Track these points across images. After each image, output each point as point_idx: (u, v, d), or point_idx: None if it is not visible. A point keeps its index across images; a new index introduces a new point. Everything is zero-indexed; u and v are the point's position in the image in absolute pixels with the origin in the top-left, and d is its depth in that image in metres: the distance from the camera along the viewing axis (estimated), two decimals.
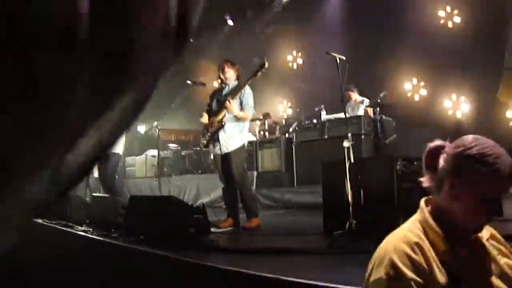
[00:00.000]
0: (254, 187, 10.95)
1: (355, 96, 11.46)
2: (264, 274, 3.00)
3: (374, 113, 10.70)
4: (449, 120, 12.58)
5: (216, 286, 3.42)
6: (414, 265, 1.56)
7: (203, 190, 11.89)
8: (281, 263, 3.63)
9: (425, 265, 1.57)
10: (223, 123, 6.78)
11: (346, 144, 4.98)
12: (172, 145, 17.04)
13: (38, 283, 5.96)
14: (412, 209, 4.56)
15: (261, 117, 13.95)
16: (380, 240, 4.10)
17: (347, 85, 10.96)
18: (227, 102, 6.67)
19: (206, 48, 18.59)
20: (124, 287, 4.63)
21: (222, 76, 7.06)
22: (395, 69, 13.09)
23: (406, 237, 1.68)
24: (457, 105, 12.73)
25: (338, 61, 5.44)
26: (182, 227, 4.82)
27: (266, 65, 6.62)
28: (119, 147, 9.25)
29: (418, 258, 1.58)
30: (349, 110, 10.74)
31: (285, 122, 14.19)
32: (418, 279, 1.53)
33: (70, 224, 6.82)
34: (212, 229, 5.56)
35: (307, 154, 10.66)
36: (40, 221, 7.90)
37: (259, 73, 6.65)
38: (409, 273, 1.54)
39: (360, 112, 10.90)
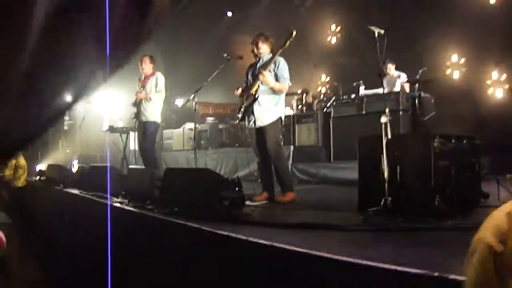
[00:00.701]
0: (290, 162, 10.97)
1: (392, 70, 11.34)
2: (296, 249, 3.00)
3: (413, 90, 10.57)
4: (489, 99, 12.35)
5: (248, 259, 3.43)
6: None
7: (240, 164, 11.96)
8: (314, 238, 3.63)
9: None
10: (256, 96, 6.74)
11: (383, 119, 4.92)
12: (210, 119, 17.12)
13: (72, 252, 6.09)
14: (448, 188, 4.54)
15: (299, 92, 13.90)
16: (414, 219, 4.08)
17: (386, 58, 10.89)
18: (261, 74, 6.64)
19: (244, 22, 18.54)
20: (157, 258, 4.69)
21: (256, 50, 7.03)
22: (435, 45, 12.88)
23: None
24: (498, 84, 12.46)
25: (376, 35, 5.36)
26: (217, 199, 4.83)
27: (294, 33, 6.54)
28: (157, 116, 9.38)
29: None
30: (385, 84, 10.64)
31: (323, 97, 14.10)
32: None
33: (106, 195, 6.91)
34: (247, 203, 5.58)
35: (345, 129, 10.60)
36: (76, 192, 8.05)
37: (288, 42, 6.59)
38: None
39: (397, 87, 10.79)
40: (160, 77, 9.47)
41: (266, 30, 7.32)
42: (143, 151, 9.60)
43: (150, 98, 9.30)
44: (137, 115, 9.63)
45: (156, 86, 9.40)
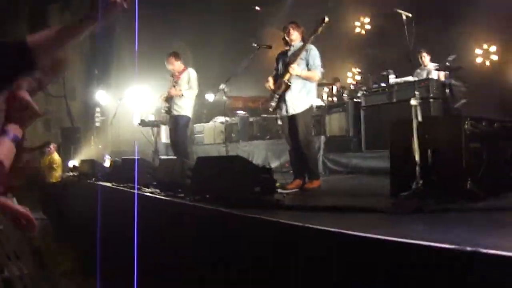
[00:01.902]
0: (321, 152, 10.94)
1: (426, 59, 11.23)
2: (329, 229, 3.00)
3: (444, 77, 10.46)
4: None
5: (280, 241, 3.44)
6: None
7: (271, 155, 11.97)
8: (346, 220, 3.63)
9: None
10: (289, 84, 6.76)
11: (413, 102, 4.89)
12: (240, 112, 17.14)
13: (108, 240, 6.15)
14: (480, 170, 4.50)
15: (329, 82, 13.88)
16: (446, 202, 4.05)
17: (419, 48, 10.80)
18: (290, 68, 6.67)
19: (272, 15, 18.55)
20: (188, 245, 4.72)
21: (287, 38, 7.05)
22: (466, 33, 12.74)
23: None
24: None
25: (404, 17, 5.33)
26: (248, 186, 4.84)
27: (327, 19, 6.55)
28: (188, 110, 9.45)
29: None
30: (424, 74, 10.60)
31: (354, 87, 14.05)
32: None
33: (138, 186, 6.98)
34: (279, 191, 5.60)
35: (375, 118, 10.53)
36: (109, 184, 8.14)
37: (320, 29, 6.59)
38: None
39: (433, 76, 10.67)
40: (192, 73, 9.53)
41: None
42: (174, 144, 9.70)
43: (182, 95, 9.37)
44: (169, 109, 9.71)
45: (188, 82, 9.47)
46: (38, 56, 2.07)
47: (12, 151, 2.07)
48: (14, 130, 2.14)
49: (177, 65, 9.62)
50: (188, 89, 9.42)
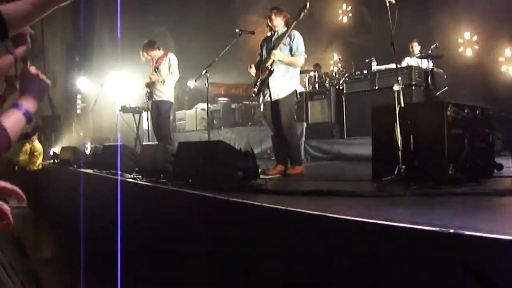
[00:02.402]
0: (303, 139, 10.98)
1: (417, 49, 11.29)
2: (311, 212, 3.00)
3: (425, 65, 10.52)
4: (502, 76, 12.27)
5: (263, 225, 3.44)
6: None
7: (253, 142, 11.96)
8: (328, 204, 3.63)
9: None
10: (272, 69, 6.76)
11: (396, 88, 4.91)
12: (222, 99, 17.15)
13: (91, 227, 6.13)
14: (461, 156, 4.53)
15: (311, 69, 13.89)
16: (428, 187, 4.08)
17: (399, 34, 10.84)
18: (271, 54, 6.67)
19: (255, 2, 18.49)
20: (171, 230, 4.71)
21: (270, 24, 7.04)
22: (448, 21, 12.81)
23: None
24: (511, 61, 12.37)
25: (387, 3, 5.31)
26: (230, 171, 4.84)
27: (308, 5, 6.55)
28: (170, 95, 9.43)
29: None
30: (411, 63, 10.66)
31: (335, 74, 14.09)
32: None
33: (120, 172, 6.94)
34: (261, 176, 5.60)
35: (357, 105, 10.61)
36: (90, 171, 8.10)
37: (302, 14, 6.60)
38: None
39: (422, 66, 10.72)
40: (172, 58, 9.51)
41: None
42: (157, 130, 9.67)
43: (163, 80, 9.34)
44: (150, 95, 9.68)
45: (169, 68, 9.44)
46: (10, 26, 2.06)
47: (20, 125, 2.08)
48: (26, 104, 2.14)
49: (154, 53, 9.59)
50: (169, 74, 9.39)
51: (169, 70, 9.45)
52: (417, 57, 11.00)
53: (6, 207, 1.98)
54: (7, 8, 2.06)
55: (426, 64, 10.75)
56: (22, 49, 2.48)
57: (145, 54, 9.66)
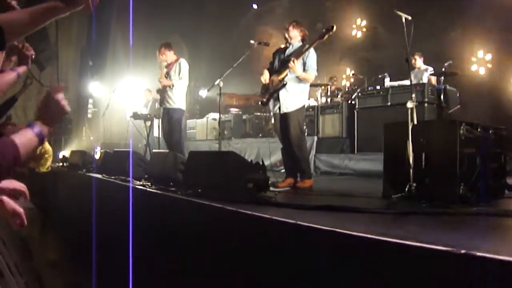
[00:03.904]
0: (313, 152, 10.97)
1: (420, 63, 11.33)
2: (321, 227, 2.99)
3: (438, 82, 10.50)
4: None
5: (272, 238, 3.43)
6: None
7: (263, 153, 11.97)
8: (338, 220, 3.61)
9: None
10: (284, 82, 6.79)
11: (409, 105, 4.90)
12: (233, 109, 17.17)
13: (96, 230, 6.12)
14: (473, 176, 4.51)
15: (325, 83, 13.90)
16: (439, 205, 4.05)
17: (412, 51, 10.83)
18: (291, 62, 6.66)
19: (270, 14, 18.57)
20: (179, 240, 4.70)
21: (287, 36, 7.05)
22: (462, 39, 12.81)
23: None
24: None
25: (404, 20, 5.31)
26: (241, 182, 4.83)
27: (334, 28, 6.56)
28: (181, 102, 9.43)
29: None
30: (412, 77, 10.58)
31: (348, 89, 14.09)
32: None
33: (128, 179, 6.95)
34: (271, 189, 5.58)
35: (369, 120, 10.58)
36: (99, 176, 8.11)
37: (326, 36, 6.60)
38: None
39: (424, 80, 10.76)
40: (183, 63, 9.51)
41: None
42: (168, 138, 9.67)
43: (172, 85, 9.34)
44: (161, 102, 9.69)
45: (179, 73, 9.45)
46: (8, 35, 2.07)
47: (32, 144, 2.12)
48: (41, 126, 2.18)
49: (169, 55, 9.63)
50: (178, 80, 9.40)
51: (179, 75, 9.45)
52: (430, 74, 10.98)
53: (19, 209, 1.99)
54: (4, 17, 2.07)
55: (426, 77, 10.81)
56: (23, 68, 2.51)
57: (161, 53, 9.67)
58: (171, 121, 9.53)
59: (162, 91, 9.63)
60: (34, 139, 2.11)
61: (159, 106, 9.93)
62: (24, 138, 2.07)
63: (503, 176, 5.49)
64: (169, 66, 9.64)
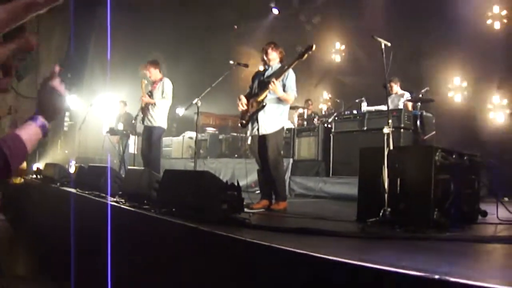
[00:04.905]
0: (288, 175, 10.99)
1: (396, 88, 11.45)
2: (295, 250, 2.98)
3: (414, 108, 10.61)
4: (490, 123, 12.38)
5: (246, 259, 3.41)
6: None
7: (238, 174, 11.97)
8: (312, 243, 3.61)
9: None
10: (264, 104, 6.79)
11: (386, 130, 4.93)
12: (210, 129, 17.17)
13: (66, 249, 6.05)
14: (447, 202, 4.54)
15: (301, 106, 13.96)
16: (413, 230, 4.07)
17: (390, 76, 10.94)
18: (271, 82, 6.66)
19: (250, 35, 18.66)
20: (152, 258, 4.66)
21: (265, 58, 7.08)
22: (438, 66, 12.98)
23: None
24: (499, 108, 12.51)
25: (383, 46, 5.36)
26: (215, 202, 4.80)
27: (314, 47, 6.58)
28: (162, 121, 9.44)
29: None
30: (389, 102, 10.68)
31: (325, 112, 14.16)
32: None
33: (103, 195, 6.90)
34: (246, 210, 5.56)
35: (345, 144, 10.65)
36: (73, 190, 8.03)
37: (306, 56, 6.61)
38: None
39: (400, 105, 10.85)
40: (166, 83, 9.55)
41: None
42: (146, 153, 9.64)
43: (154, 104, 9.35)
44: (143, 119, 9.69)
45: (162, 92, 9.46)
46: None
47: (37, 137, 2.08)
48: (43, 118, 2.16)
49: (154, 73, 9.65)
50: (161, 99, 9.40)
51: (162, 94, 9.45)
52: (407, 100, 11.09)
53: None
54: None
55: (402, 103, 10.92)
56: (8, 80, 2.48)
57: (146, 69, 9.73)
58: (151, 138, 9.56)
59: (144, 109, 9.63)
60: (38, 132, 2.09)
61: (140, 123, 9.90)
62: (29, 132, 2.04)
63: (477, 202, 5.56)
64: (153, 85, 9.65)
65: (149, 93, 9.62)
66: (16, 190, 12.05)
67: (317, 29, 17.77)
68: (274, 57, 7.06)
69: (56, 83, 2.21)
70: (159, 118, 9.54)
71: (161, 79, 9.67)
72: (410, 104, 10.95)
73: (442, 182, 4.68)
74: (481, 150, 6.93)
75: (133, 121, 10.73)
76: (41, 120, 2.11)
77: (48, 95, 2.18)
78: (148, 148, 9.58)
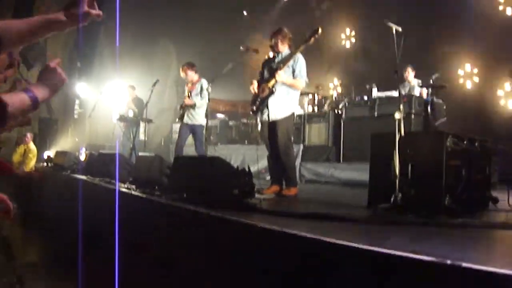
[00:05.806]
0: (299, 161, 10.97)
1: (410, 75, 11.32)
2: (306, 235, 2.98)
3: (426, 94, 10.54)
4: (500, 109, 12.30)
5: (257, 245, 3.42)
6: None
7: (249, 160, 11.95)
8: (323, 228, 3.60)
9: None
10: (273, 90, 6.76)
11: (397, 116, 4.90)
12: (220, 115, 17.15)
13: (76, 235, 6.07)
14: (458, 187, 4.52)
15: (312, 92, 13.89)
16: (424, 216, 4.06)
17: (404, 64, 10.86)
18: (276, 72, 6.64)
19: (259, 22, 18.57)
20: (163, 244, 4.68)
21: (274, 45, 7.04)
22: (449, 52, 12.88)
23: None
24: (510, 95, 12.42)
25: (394, 31, 5.32)
26: (226, 188, 4.81)
27: (320, 31, 6.53)
28: (203, 119, 9.88)
29: None
30: (402, 90, 10.63)
31: (335, 98, 14.09)
32: None
33: (113, 181, 6.92)
34: (256, 195, 5.56)
35: (356, 130, 10.62)
36: (84, 177, 8.05)
37: (312, 39, 6.58)
38: None
39: (415, 93, 10.76)
40: (204, 83, 9.83)
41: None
42: (181, 149, 9.87)
43: (194, 104, 9.63)
44: (182, 116, 9.91)
45: (201, 93, 9.71)
46: (4, 43, 2.05)
47: (23, 105, 2.08)
48: (36, 90, 2.14)
49: (190, 75, 10.05)
50: (200, 100, 9.82)
51: (201, 95, 9.82)
52: (418, 86, 11.02)
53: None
54: (1, 24, 2.05)
55: (418, 91, 10.82)
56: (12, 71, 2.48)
57: (184, 72, 10.13)
58: (194, 136, 10.03)
59: (184, 107, 9.91)
60: (26, 99, 2.07)
61: (179, 120, 10.12)
62: (14, 98, 2.03)
63: (488, 188, 5.52)
64: (192, 85, 10.09)
65: (188, 94, 9.98)
66: (28, 178, 12.11)
67: (327, 15, 17.66)
68: (282, 43, 7.02)
69: (56, 64, 2.22)
70: (199, 116, 9.95)
71: (198, 80, 10.02)
72: (424, 92, 10.86)
73: (453, 168, 4.65)
74: (492, 136, 6.88)
75: (144, 106, 10.81)
76: (32, 91, 2.10)
77: (49, 77, 2.19)
78: (195, 145, 10.05)
